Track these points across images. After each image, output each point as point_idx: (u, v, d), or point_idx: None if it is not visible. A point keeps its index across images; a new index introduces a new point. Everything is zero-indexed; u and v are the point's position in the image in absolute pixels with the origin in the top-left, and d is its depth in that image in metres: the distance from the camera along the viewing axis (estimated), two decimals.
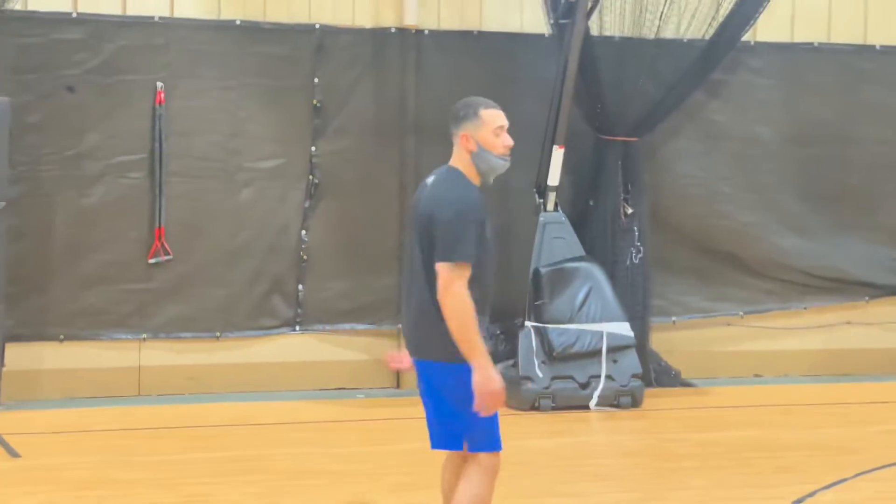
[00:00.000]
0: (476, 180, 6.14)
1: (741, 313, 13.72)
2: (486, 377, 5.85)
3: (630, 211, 12.86)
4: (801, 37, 13.73)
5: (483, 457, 6.08)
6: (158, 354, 12.18)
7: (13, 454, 9.65)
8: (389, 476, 8.98)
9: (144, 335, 12.11)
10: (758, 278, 13.72)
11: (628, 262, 12.84)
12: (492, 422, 6.05)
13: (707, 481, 9.05)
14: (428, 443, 6.27)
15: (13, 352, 11.61)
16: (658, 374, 13.02)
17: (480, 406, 5.86)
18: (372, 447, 10.06)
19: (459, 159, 6.16)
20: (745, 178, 13.64)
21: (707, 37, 12.85)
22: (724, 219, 13.60)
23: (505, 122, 6.16)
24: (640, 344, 12.79)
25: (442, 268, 5.91)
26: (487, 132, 6.10)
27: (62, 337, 11.93)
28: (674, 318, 13.54)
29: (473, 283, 5.94)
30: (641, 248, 12.91)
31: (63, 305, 11.91)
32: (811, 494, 8.59)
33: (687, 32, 12.84)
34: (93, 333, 12.00)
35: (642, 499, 8.54)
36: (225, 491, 8.53)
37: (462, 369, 5.99)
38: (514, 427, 11.12)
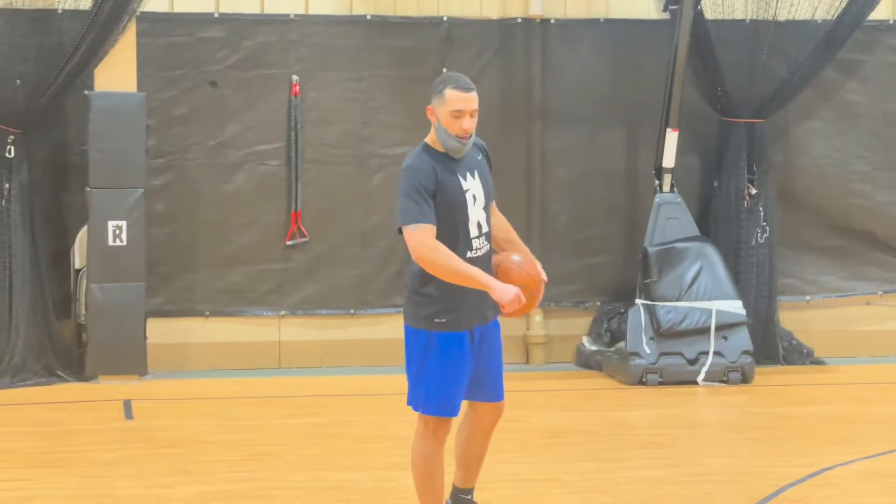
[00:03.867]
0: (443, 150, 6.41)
1: (880, 292, 13.75)
2: (499, 292, 6.20)
3: (754, 192, 13.07)
4: None
5: (420, 417, 6.58)
6: (297, 330, 13.02)
7: (128, 416, 10.66)
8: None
9: (283, 312, 12.98)
10: None
11: (753, 242, 13.05)
12: (430, 387, 6.45)
13: (752, 450, 9.35)
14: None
15: (163, 326, 12.65)
16: (788, 353, 13.20)
17: (510, 311, 6.27)
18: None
19: (432, 130, 6.43)
20: (882, 157, 13.70)
21: (833, 16, 12.97)
22: (861, 198, 13.67)
23: (465, 107, 6.29)
24: (767, 322, 13.05)
25: (404, 233, 6.30)
26: (446, 112, 6.31)
27: (208, 313, 12.89)
28: (808, 297, 13.67)
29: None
30: (767, 228, 13.10)
31: (208, 284, 12.88)
32: (845, 463, 8.81)
33: (815, 13, 12.99)
34: (236, 310, 12.92)
35: (676, 464, 8.88)
36: (289, 451, 9.27)
37: (409, 331, 6.53)
38: (610, 399, 11.65)
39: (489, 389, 6.65)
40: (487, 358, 6.60)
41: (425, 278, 6.37)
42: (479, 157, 6.63)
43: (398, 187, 6.36)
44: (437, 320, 6.37)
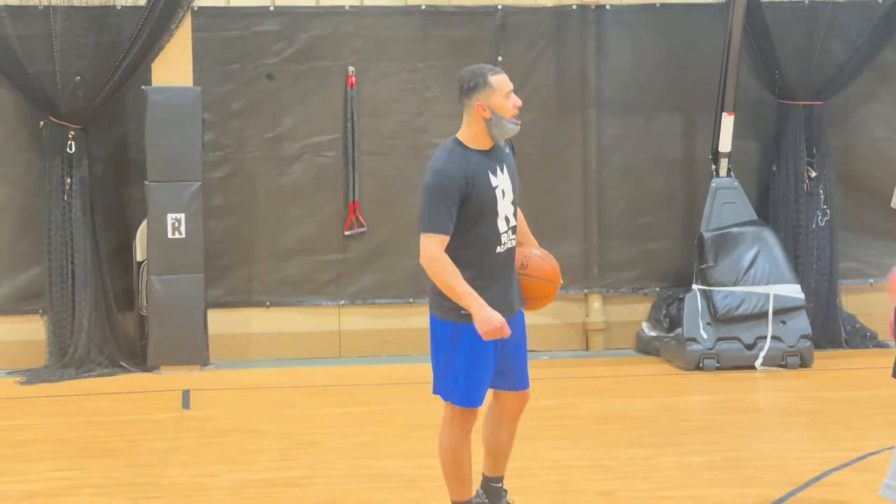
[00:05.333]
0: (487, 145, 6.44)
1: None
2: (481, 318, 6.22)
3: (814, 174, 12.98)
4: None
5: (447, 407, 6.61)
6: (356, 319, 13.11)
7: (185, 406, 10.81)
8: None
9: (343, 301, 13.07)
10: None
11: (814, 226, 12.96)
12: (457, 378, 6.45)
13: (800, 435, 9.31)
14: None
15: (225, 317, 12.81)
16: (850, 336, 13.11)
17: (489, 338, 6.27)
18: None
19: (468, 128, 6.41)
20: None
21: None
22: None
23: (511, 85, 6.41)
24: (828, 306, 12.97)
25: (420, 237, 6.33)
26: (500, 97, 6.33)
27: (268, 303, 13.02)
28: (871, 280, 13.54)
29: (470, 253, 6.31)
30: (828, 211, 13.01)
31: (268, 275, 13.00)
32: (894, 447, 8.71)
33: None
34: (296, 300, 13.04)
35: (720, 449, 8.86)
36: (335, 440, 9.36)
37: (436, 322, 6.57)
38: (666, 385, 11.63)
39: (514, 379, 6.67)
40: (512, 348, 6.59)
41: None
42: (507, 150, 6.64)
43: (423, 185, 6.33)
44: (463, 312, 6.33)
